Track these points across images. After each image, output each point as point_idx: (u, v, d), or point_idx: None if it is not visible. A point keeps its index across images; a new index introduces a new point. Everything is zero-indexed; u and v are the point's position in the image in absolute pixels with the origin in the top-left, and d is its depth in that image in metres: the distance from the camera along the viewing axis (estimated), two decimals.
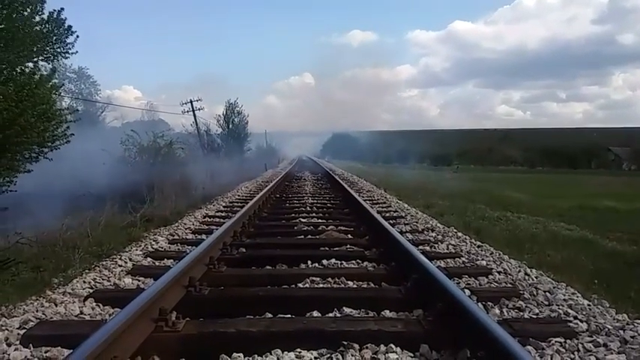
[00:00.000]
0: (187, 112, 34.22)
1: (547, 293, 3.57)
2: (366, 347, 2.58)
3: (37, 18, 6.58)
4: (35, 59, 6.71)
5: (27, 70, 6.54)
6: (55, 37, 6.86)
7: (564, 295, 3.53)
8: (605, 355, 2.49)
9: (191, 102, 34.33)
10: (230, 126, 33.58)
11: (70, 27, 7.00)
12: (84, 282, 3.93)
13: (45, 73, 6.90)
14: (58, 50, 6.99)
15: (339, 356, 2.50)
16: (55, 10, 6.84)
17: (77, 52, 7.26)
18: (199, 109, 34.45)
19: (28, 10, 6.31)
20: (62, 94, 7.93)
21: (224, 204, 9.98)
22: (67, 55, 7.18)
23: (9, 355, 2.48)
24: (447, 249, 5.33)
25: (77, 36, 7.07)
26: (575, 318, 3.04)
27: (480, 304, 3.27)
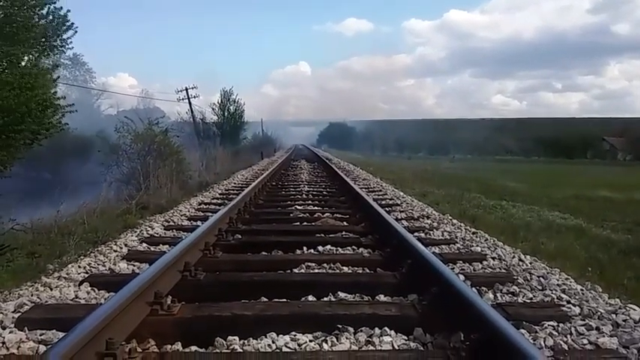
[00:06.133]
0: (183, 99, 34.17)
1: (541, 278, 3.60)
2: (361, 330, 2.59)
3: (37, 16, 6.58)
4: (36, 53, 6.70)
5: (27, 61, 6.53)
6: (53, 32, 6.85)
7: (558, 281, 3.56)
8: (597, 337, 2.51)
9: (186, 90, 34.27)
10: (226, 114, 33.50)
11: (72, 24, 7.00)
12: (79, 267, 3.93)
13: (48, 65, 6.89)
14: (55, 44, 6.98)
15: (334, 339, 2.51)
16: (56, 9, 6.85)
17: (73, 47, 7.28)
18: (195, 97, 34.44)
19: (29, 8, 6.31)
20: (57, 83, 7.92)
21: (220, 191, 9.97)
22: (65, 49, 7.18)
23: (4, 337, 2.48)
24: (442, 236, 5.35)
25: (75, 31, 7.08)
26: (569, 302, 3.06)
27: (474, 288, 3.29)
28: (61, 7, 6.79)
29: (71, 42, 7.03)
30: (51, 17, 6.71)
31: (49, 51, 6.98)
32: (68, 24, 6.82)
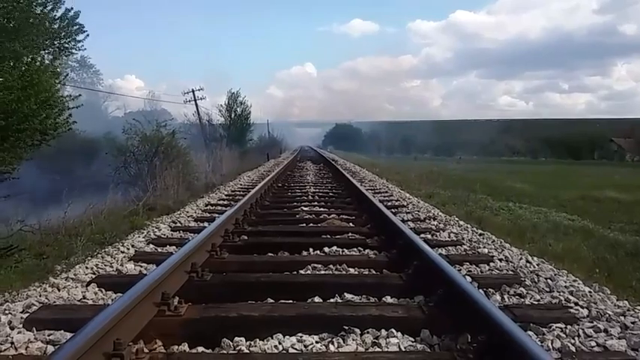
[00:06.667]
0: (189, 101, 34.28)
1: (548, 280, 3.57)
2: (367, 332, 2.59)
3: (51, 15, 6.62)
4: (42, 52, 6.74)
5: (30, 59, 6.56)
6: (64, 34, 6.89)
7: (565, 283, 3.54)
8: (605, 340, 2.50)
9: (193, 91, 34.36)
10: (232, 116, 33.56)
11: (82, 26, 7.04)
12: (86, 268, 3.94)
13: (47, 61, 6.92)
14: (66, 46, 7.02)
15: (341, 340, 2.51)
16: (67, 10, 6.90)
17: (85, 48, 7.37)
18: (201, 99, 34.52)
19: (40, 8, 6.35)
20: (65, 83, 7.98)
21: (226, 193, 9.99)
22: (75, 51, 7.23)
23: (12, 337, 2.50)
24: (449, 237, 5.33)
25: (87, 34, 7.14)
26: (576, 304, 3.04)
27: (481, 290, 3.28)
28: (72, 8, 6.83)
29: (82, 44, 7.08)
30: (61, 19, 6.75)
31: (60, 52, 7.02)
32: (78, 26, 6.87)
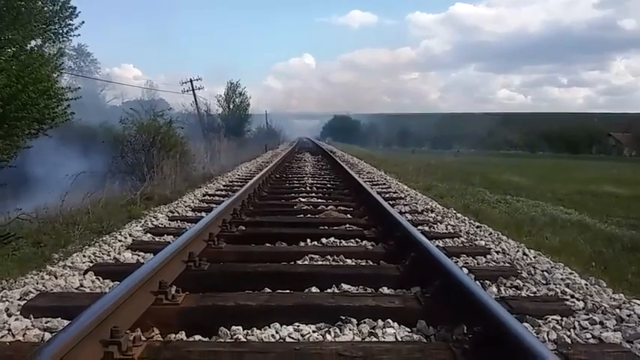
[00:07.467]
0: (187, 91, 34.13)
1: (545, 273, 3.59)
2: (364, 322, 2.60)
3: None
4: (39, 39, 6.69)
5: (30, 49, 6.52)
6: (57, 18, 6.84)
7: (562, 275, 3.55)
8: (600, 332, 2.51)
9: (191, 81, 34.20)
10: (231, 106, 33.47)
11: (74, 8, 6.98)
12: (84, 256, 3.93)
13: (50, 53, 6.88)
14: (61, 31, 6.97)
15: (337, 330, 2.52)
16: None
17: (79, 34, 7.28)
18: (199, 89, 34.36)
19: None
20: (62, 71, 7.95)
21: (224, 183, 9.98)
22: (70, 36, 7.17)
23: (9, 325, 2.50)
24: (446, 229, 5.34)
25: (82, 21, 7.09)
26: (572, 297, 3.05)
27: (477, 282, 3.29)
28: None
29: (77, 29, 7.01)
30: (53, 3, 6.70)
31: (55, 38, 6.97)
32: (70, 10, 6.81)
